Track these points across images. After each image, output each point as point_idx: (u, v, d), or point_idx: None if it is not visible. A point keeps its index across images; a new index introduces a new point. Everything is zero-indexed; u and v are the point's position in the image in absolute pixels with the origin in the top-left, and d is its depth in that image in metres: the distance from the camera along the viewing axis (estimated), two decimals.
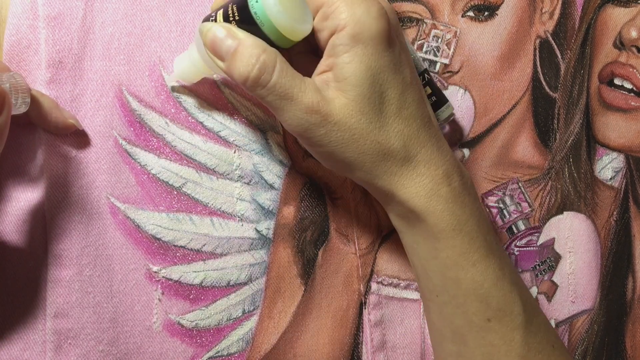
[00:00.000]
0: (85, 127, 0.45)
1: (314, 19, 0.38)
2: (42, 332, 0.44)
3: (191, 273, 0.46)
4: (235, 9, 0.38)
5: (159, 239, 0.46)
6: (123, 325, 0.45)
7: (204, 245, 0.46)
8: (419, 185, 0.38)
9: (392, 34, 0.38)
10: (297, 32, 0.37)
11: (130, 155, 0.46)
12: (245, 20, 0.37)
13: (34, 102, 0.42)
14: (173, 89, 0.46)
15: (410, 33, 0.48)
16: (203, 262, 0.46)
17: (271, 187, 0.47)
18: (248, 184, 0.47)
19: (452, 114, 0.47)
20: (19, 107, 0.40)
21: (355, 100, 0.37)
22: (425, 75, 0.46)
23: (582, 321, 0.51)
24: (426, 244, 0.39)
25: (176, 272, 0.46)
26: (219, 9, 0.39)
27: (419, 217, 0.38)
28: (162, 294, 0.46)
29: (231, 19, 0.38)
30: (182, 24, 0.46)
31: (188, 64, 0.43)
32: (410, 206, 0.38)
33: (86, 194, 0.45)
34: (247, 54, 0.37)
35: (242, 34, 0.37)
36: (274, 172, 0.47)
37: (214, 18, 0.39)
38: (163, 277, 0.46)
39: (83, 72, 0.45)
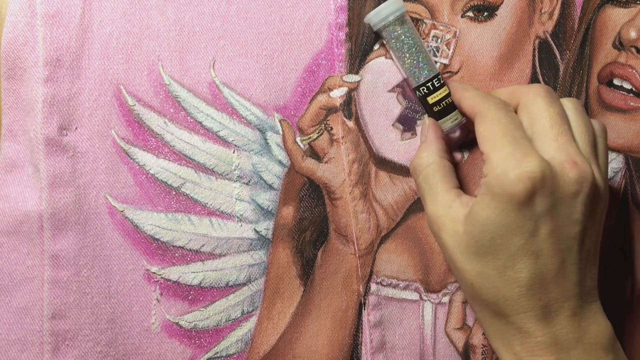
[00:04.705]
0: (83, 126, 0.45)
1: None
2: (40, 333, 0.44)
3: (190, 274, 0.46)
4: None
5: (157, 240, 0.45)
6: (121, 326, 0.45)
7: (202, 246, 0.46)
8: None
9: (533, 197, 0.38)
10: None
11: (128, 154, 0.45)
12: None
13: None
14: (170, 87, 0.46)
15: None
16: (202, 263, 0.46)
17: (270, 187, 0.47)
18: (247, 184, 0.47)
19: (464, 119, 0.47)
20: None
21: (465, 235, 0.40)
22: (440, 78, 0.46)
23: None
24: None
25: (175, 272, 0.46)
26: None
27: None
28: (161, 294, 0.45)
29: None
30: (181, 24, 0.46)
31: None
32: None
33: (84, 194, 0.44)
34: (417, 151, 0.45)
35: (429, 135, 0.45)
36: (273, 172, 0.47)
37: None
38: (161, 277, 0.45)
39: (81, 71, 0.45)
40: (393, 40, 0.46)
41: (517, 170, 0.38)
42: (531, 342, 0.39)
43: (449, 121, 0.46)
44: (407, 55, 0.46)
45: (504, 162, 0.39)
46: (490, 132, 0.40)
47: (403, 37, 0.46)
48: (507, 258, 0.39)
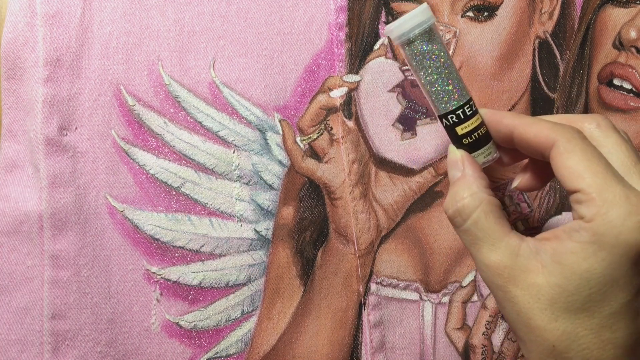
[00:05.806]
0: (83, 126, 0.45)
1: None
2: (40, 333, 0.44)
3: (190, 274, 0.46)
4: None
5: (157, 240, 0.45)
6: (121, 326, 0.45)
7: (202, 246, 0.46)
8: None
9: None
10: None
11: (128, 155, 0.45)
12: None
13: None
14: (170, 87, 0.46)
15: None
16: (202, 263, 0.46)
17: (270, 187, 0.47)
18: (247, 184, 0.47)
19: (497, 153, 0.42)
20: None
21: (549, 288, 0.34)
22: (472, 104, 0.40)
23: None
24: None
25: (175, 272, 0.46)
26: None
27: None
28: (161, 294, 0.45)
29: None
30: (181, 24, 0.46)
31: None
32: None
33: (84, 194, 0.44)
34: (455, 191, 0.38)
35: (466, 170, 0.39)
36: (273, 172, 0.47)
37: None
38: (161, 277, 0.45)
39: (81, 71, 0.44)
40: (418, 58, 0.39)
41: (638, 217, 0.33)
42: None
43: (482, 156, 0.40)
44: (435, 76, 0.39)
45: (617, 206, 0.33)
46: (587, 167, 0.34)
47: (430, 54, 0.39)
48: (605, 316, 0.34)
